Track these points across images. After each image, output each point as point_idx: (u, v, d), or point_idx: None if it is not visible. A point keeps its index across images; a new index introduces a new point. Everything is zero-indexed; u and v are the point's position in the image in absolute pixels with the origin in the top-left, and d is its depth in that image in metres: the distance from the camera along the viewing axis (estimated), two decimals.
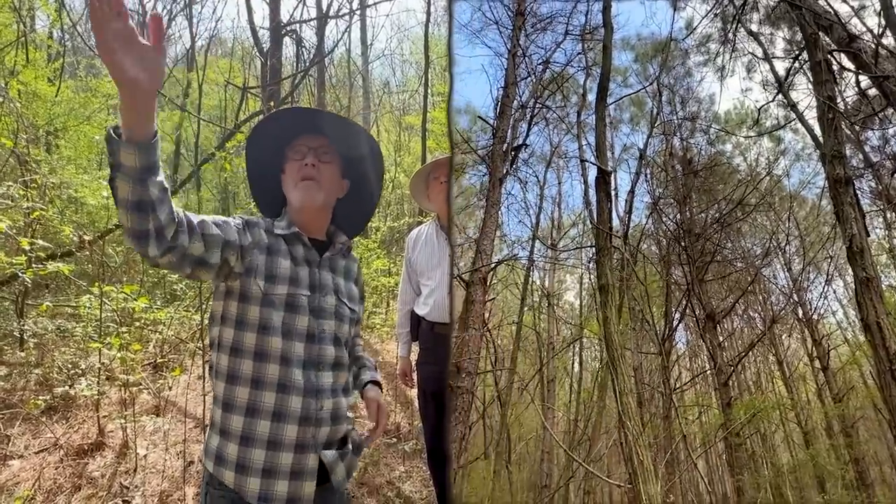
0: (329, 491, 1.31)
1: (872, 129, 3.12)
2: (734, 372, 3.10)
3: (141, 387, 3.82)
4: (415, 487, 3.34)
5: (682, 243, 3.34)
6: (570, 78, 3.56)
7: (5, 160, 4.98)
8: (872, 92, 3.02)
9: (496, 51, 3.43)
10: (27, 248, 3.45)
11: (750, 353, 3.26)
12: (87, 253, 4.52)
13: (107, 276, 4.97)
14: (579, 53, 3.53)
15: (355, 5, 10.10)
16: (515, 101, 3.39)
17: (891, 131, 3.09)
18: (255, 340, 1.22)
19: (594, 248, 3.15)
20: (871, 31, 3.08)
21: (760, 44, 3.47)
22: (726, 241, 3.45)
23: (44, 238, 4.10)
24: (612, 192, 3.23)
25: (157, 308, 4.32)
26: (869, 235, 2.72)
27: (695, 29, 3.57)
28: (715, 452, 3.04)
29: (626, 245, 3.26)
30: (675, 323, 3.29)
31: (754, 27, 3.51)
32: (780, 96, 3.33)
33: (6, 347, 4.56)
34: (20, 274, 3.37)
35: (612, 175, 3.25)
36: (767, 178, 3.44)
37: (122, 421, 3.46)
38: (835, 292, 3.26)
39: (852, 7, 3.16)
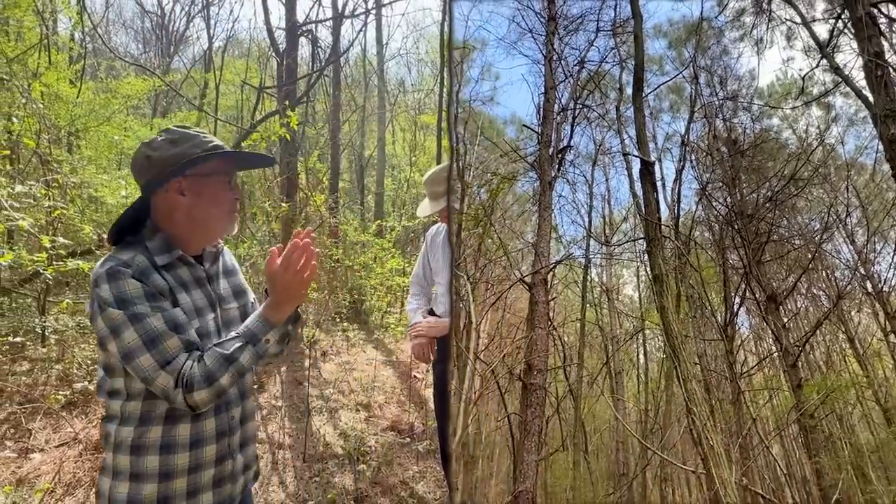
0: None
1: None
2: (802, 352, 3.01)
3: None
4: (428, 488, 3.33)
5: (735, 226, 3.26)
6: (606, 74, 3.56)
7: (28, 160, 5.08)
8: None
9: (533, 58, 3.52)
10: (48, 245, 3.51)
11: (817, 331, 3.15)
12: (107, 251, 4.58)
13: None
14: (612, 48, 3.54)
15: (371, 5, 10.12)
16: (556, 105, 3.46)
17: None
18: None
19: (644, 241, 3.18)
20: None
21: (797, 8, 3.34)
22: (781, 220, 3.35)
23: (64, 236, 4.17)
24: (658, 183, 3.24)
25: None
26: None
27: (727, 5, 3.46)
28: (789, 435, 2.99)
29: (676, 234, 3.24)
30: (735, 307, 3.22)
31: None
32: (824, 61, 3.20)
33: (28, 343, 4.65)
34: (41, 271, 3.42)
35: (656, 165, 3.24)
36: (820, 148, 3.30)
37: None
38: None
39: None
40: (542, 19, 3.56)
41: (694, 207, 3.39)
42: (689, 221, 3.36)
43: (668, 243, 3.18)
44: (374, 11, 11.24)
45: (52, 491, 2.93)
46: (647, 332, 3.50)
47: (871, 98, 2.88)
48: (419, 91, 14.92)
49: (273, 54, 7.36)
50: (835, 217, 3.23)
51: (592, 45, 3.57)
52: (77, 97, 6.70)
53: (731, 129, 3.46)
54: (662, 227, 3.15)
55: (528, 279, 3.11)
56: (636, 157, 3.24)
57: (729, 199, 3.40)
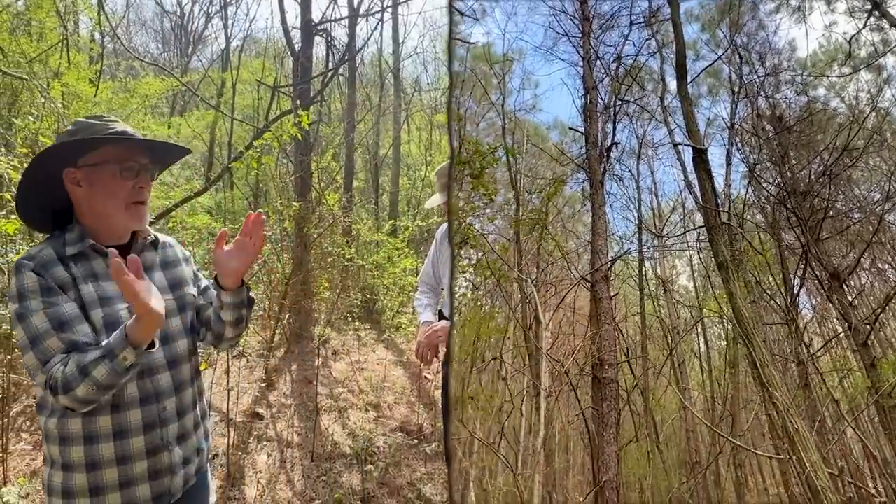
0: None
1: None
2: (872, 330, 2.91)
3: None
4: (436, 490, 3.30)
5: (789, 205, 3.15)
6: (643, 67, 3.53)
7: None
8: None
9: (570, 62, 3.55)
10: None
11: (887, 307, 3.03)
12: None
13: None
14: (647, 39, 3.51)
15: (386, 3, 10.13)
16: (599, 104, 3.47)
17: None
18: None
19: (704, 229, 3.15)
20: None
21: None
22: (837, 194, 3.20)
23: None
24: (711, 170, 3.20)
25: None
26: None
27: None
28: (865, 417, 2.91)
29: (734, 219, 3.18)
30: (796, 289, 3.12)
31: None
32: (871, 20, 3.03)
33: None
34: None
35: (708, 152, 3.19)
36: (873, 113, 3.13)
37: None
38: None
39: None
40: (576, 21, 3.57)
41: (743, 191, 3.31)
42: (741, 205, 3.27)
43: (726, 229, 3.13)
44: (389, 10, 11.26)
45: None
46: (705, 320, 3.49)
47: None
48: (435, 90, 14.90)
49: (289, 53, 7.40)
50: None
51: (627, 40, 3.55)
52: (95, 96, 6.81)
53: (776, 105, 3.32)
54: (722, 213, 3.10)
55: (589, 277, 3.19)
56: (688, 145, 3.18)
57: (779, 179, 3.27)
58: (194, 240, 5.50)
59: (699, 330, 3.52)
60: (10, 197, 3.08)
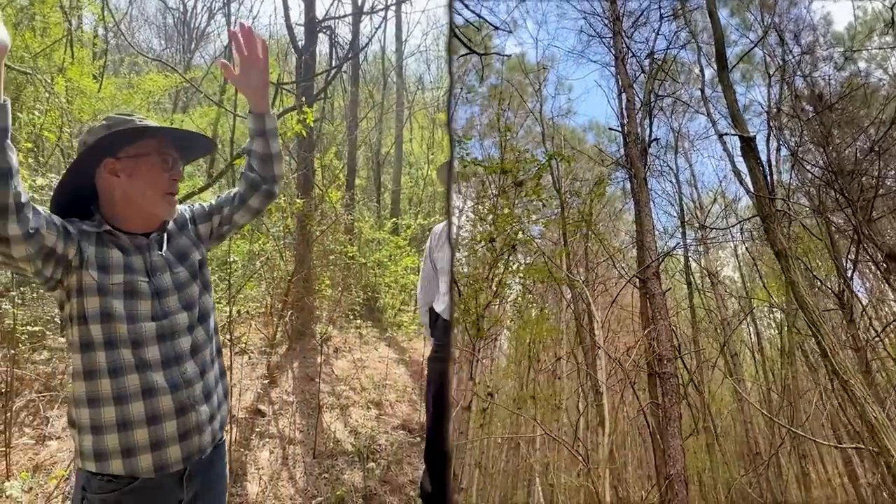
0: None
1: None
2: None
3: None
4: None
5: (836, 186, 3.06)
6: (674, 60, 3.51)
7: (50, 153, 5.17)
8: None
9: (602, 62, 3.55)
10: None
11: None
12: None
13: None
14: (677, 31, 3.50)
15: (391, 1, 10.11)
16: (637, 102, 3.47)
17: None
18: (100, 331, 1.20)
19: (755, 218, 3.10)
20: None
21: None
22: (887, 170, 3.05)
23: None
24: (740, 157, 3.14)
25: None
26: None
27: None
28: None
29: (786, 205, 3.12)
30: (849, 273, 3.03)
31: None
32: None
33: (48, 332, 4.73)
34: None
35: (755, 140, 3.12)
36: None
37: None
38: None
39: None
40: (607, 21, 3.57)
41: (786, 176, 3.23)
42: (785, 191, 3.19)
43: (781, 217, 3.05)
44: (393, 8, 11.24)
45: (66, 478, 2.97)
46: (754, 310, 3.45)
47: None
48: (438, 88, 14.89)
49: (292, 50, 7.40)
50: None
51: (658, 34, 3.53)
52: (99, 92, 6.81)
53: (814, 84, 3.21)
54: (776, 200, 3.03)
55: (640, 274, 3.17)
56: (734, 135, 3.11)
57: (823, 160, 3.17)
58: None
59: (749, 320, 3.47)
60: None
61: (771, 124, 3.24)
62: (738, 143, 3.14)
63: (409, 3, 13.06)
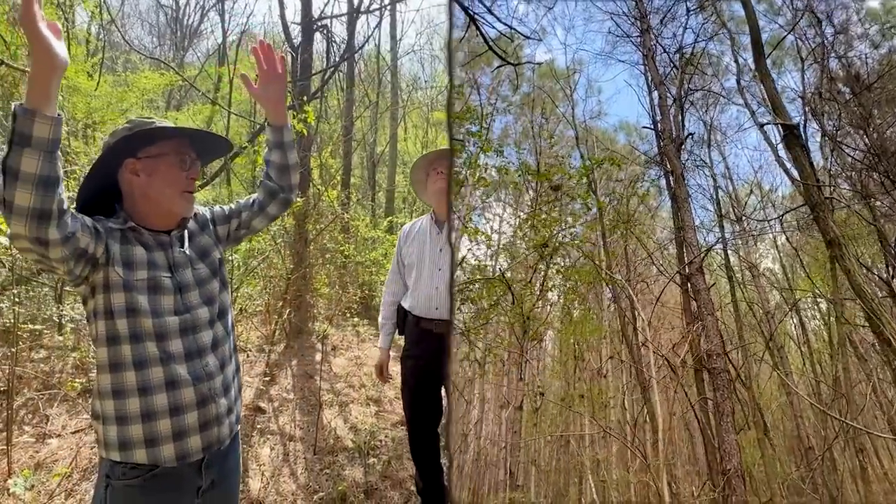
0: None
1: None
2: None
3: None
4: None
5: (879, 169, 2.95)
6: (704, 52, 3.51)
7: None
8: None
9: (631, 62, 3.58)
10: None
11: None
12: None
13: None
14: (703, 24, 3.50)
15: (386, 0, 10.12)
16: (669, 98, 3.49)
17: None
18: (126, 325, 1.25)
19: (808, 207, 3.02)
20: None
21: None
22: None
23: None
24: (779, 145, 3.08)
25: None
26: None
27: None
28: None
29: (835, 193, 3.07)
30: None
31: None
32: None
33: (46, 332, 4.72)
34: None
35: (772, 128, 3.09)
36: None
37: None
38: None
39: None
40: (633, 20, 3.59)
41: (825, 161, 3.14)
42: (827, 177, 3.11)
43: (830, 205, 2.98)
44: (388, 7, 11.25)
45: (68, 475, 2.98)
46: (799, 302, 3.43)
47: None
48: (432, 88, 14.92)
49: (288, 49, 7.39)
50: None
51: (686, 28, 3.53)
52: (95, 90, 6.77)
53: (850, 64, 3.06)
54: (824, 188, 2.95)
55: (684, 270, 3.21)
56: (777, 123, 3.06)
57: (865, 142, 3.05)
58: None
59: (793, 312, 3.45)
60: None
61: (807, 109, 3.16)
62: (777, 132, 3.09)
63: (403, 3, 13.06)
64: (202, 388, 1.33)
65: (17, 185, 1.01)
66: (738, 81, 3.38)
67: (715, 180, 3.46)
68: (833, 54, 3.17)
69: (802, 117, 3.17)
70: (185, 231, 1.45)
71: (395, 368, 5.59)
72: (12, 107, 1.02)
